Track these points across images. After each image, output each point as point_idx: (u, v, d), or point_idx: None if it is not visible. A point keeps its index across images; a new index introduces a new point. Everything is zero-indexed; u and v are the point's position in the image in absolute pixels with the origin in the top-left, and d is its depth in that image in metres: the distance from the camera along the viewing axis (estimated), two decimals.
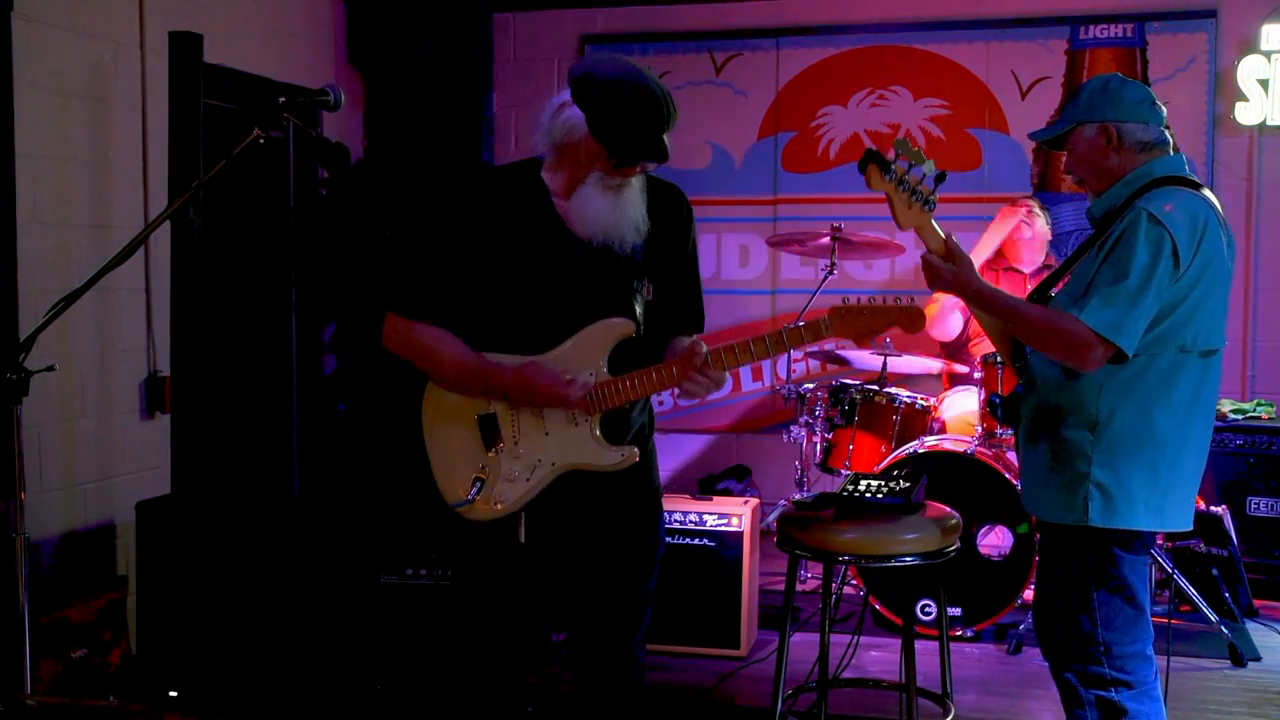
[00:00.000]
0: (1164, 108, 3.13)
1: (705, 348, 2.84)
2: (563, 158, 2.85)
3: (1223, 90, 6.25)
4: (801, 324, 2.84)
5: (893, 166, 2.99)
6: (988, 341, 5.42)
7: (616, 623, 3.04)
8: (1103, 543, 3.00)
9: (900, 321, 2.85)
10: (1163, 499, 3.00)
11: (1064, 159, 3.23)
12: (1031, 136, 3.32)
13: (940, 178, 3.03)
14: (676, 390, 2.86)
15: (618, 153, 2.76)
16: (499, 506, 2.89)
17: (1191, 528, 3.12)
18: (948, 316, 5.61)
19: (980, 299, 3.02)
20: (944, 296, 5.50)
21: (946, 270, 3.00)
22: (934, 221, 3.01)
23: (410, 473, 3.00)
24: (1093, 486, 2.96)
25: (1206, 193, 3.05)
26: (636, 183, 2.86)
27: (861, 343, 2.90)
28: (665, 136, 2.78)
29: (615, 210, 2.82)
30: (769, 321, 6.81)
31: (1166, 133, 3.10)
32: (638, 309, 2.93)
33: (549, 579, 2.98)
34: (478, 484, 2.87)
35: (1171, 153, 3.10)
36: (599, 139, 2.75)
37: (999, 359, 4.95)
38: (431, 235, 2.91)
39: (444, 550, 3.09)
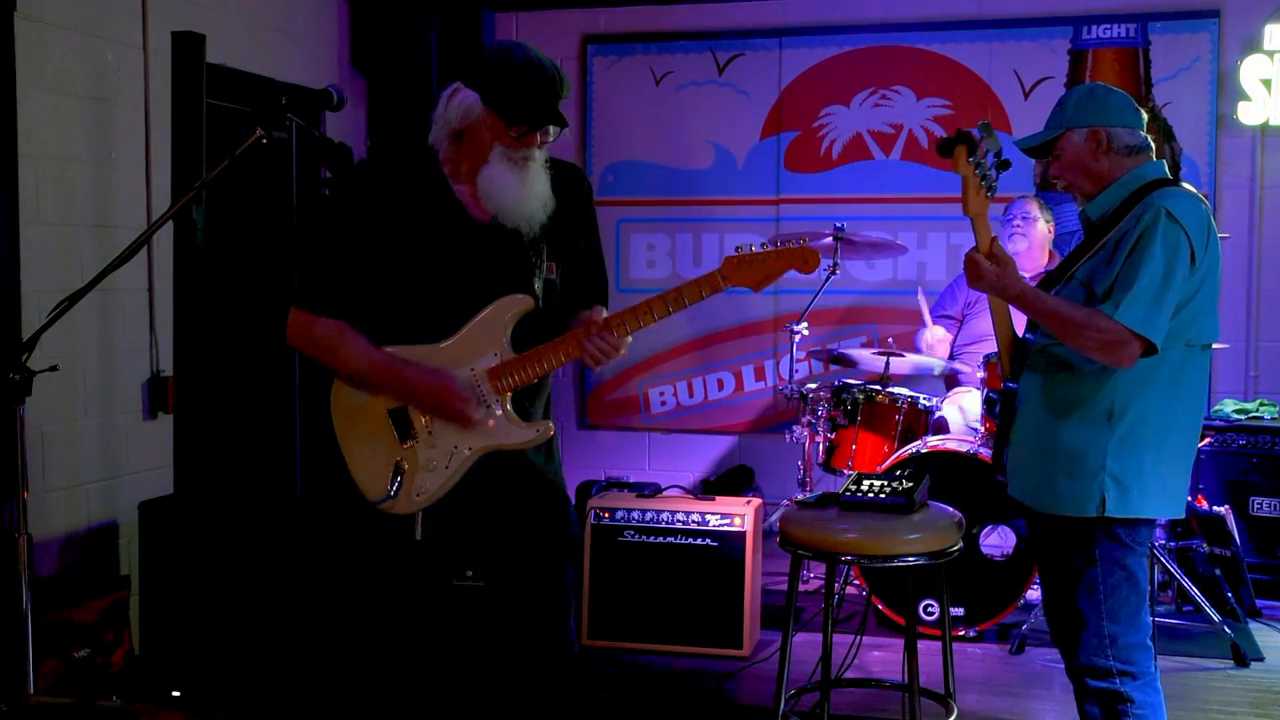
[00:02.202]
0: (1144, 113, 3.24)
1: (603, 314, 2.87)
2: (462, 142, 2.85)
3: (1226, 90, 6.24)
4: (699, 278, 2.86)
5: (978, 150, 3.06)
6: (979, 347, 5.50)
7: (541, 617, 2.99)
8: (1112, 532, 3.06)
9: (795, 263, 2.85)
10: (1168, 486, 3.11)
11: (1049, 166, 3.31)
12: (1018, 144, 3.37)
13: (1005, 164, 3.13)
14: (585, 358, 2.86)
15: (517, 118, 2.77)
16: (419, 498, 2.88)
17: (1184, 514, 3.23)
18: (936, 343, 5.68)
19: (1021, 300, 3.11)
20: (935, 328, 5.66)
21: (990, 270, 3.09)
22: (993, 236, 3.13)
23: (328, 471, 2.98)
24: (1108, 478, 3.04)
25: (1194, 190, 3.16)
26: (539, 157, 2.86)
27: (759, 289, 2.91)
28: (558, 105, 2.80)
29: (523, 186, 2.83)
30: (771, 321, 6.82)
31: (1148, 137, 3.22)
32: (537, 285, 2.94)
33: (447, 576, 2.96)
34: (398, 478, 2.86)
35: (1153, 156, 3.21)
36: (496, 109, 2.78)
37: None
38: (333, 228, 2.90)
39: (340, 550, 3.04)
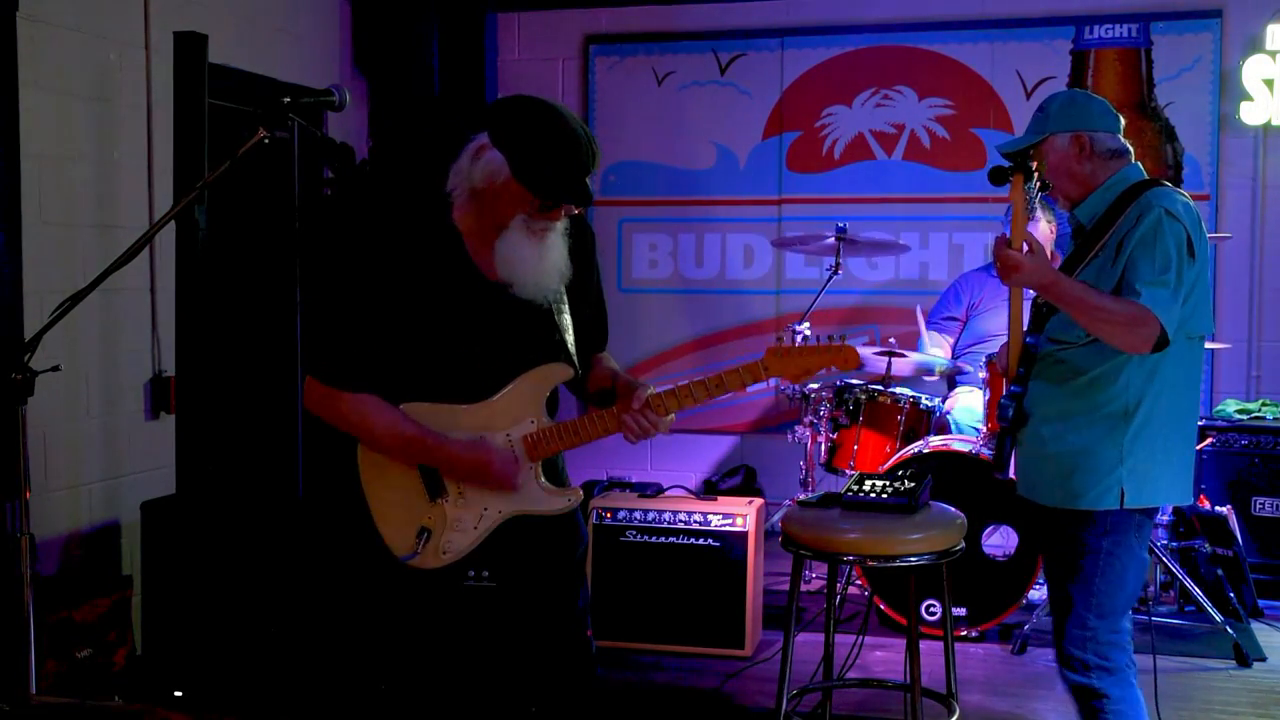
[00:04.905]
0: (1122, 119, 3.32)
1: (649, 391, 2.82)
2: (482, 202, 2.74)
3: (1228, 90, 6.24)
4: (740, 366, 2.84)
5: (1034, 179, 3.17)
6: (983, 347, 5.50)
7: (557, 620, 2.96)
8: (1127, 522, 3.14)
9: (835, 361, 2.83)
10: (1176, 474, 3.20)
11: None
12: (1001, 149, 3.39)
13: (1045, 187, 3.25)
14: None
15: (543, 194, 2.67)
16: (445, 556, 2.81)
17: (1193, 500, 3.29)
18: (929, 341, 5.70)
19: (1057, 289, 3.12)
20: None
21: (1027, 262, 3.11)
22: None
23: (349, 521, 2.88)
24: (1126, 471, 3.11)
25: (1178, 189, 3.24)
26: (560, 227, 2.77)
27: (796, 381, 2.90)
28: (588, 180, 2.71)
29: (541, 259, 2.74)
30: (773, 321, 6.81)
31: (1126, 142, 3.29)
32: (571, 349, 2.88)
33: (459, 579, 2.90)
34: (424, 535, 2.80)
35: (1133, 159, 3.28)
36: (523, 181, 2.66)
37: None
38: (346, 292, 2.80)
39: (351, 557, 2.96)
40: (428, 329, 2.78)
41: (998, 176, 3.18)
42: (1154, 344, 3.02)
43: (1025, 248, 3.14)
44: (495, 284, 2.79)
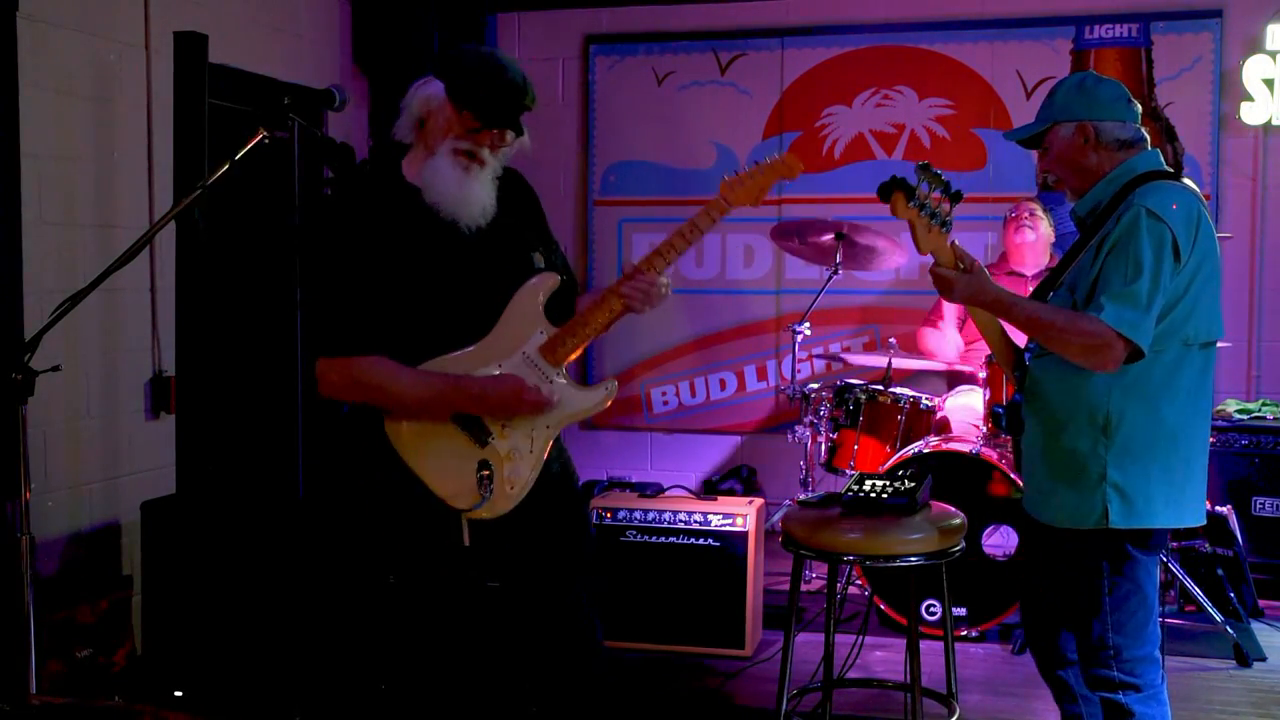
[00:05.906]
0: (1138, 105, 3.13)
1: (634, 263, 2.98)
2: (420, 135, 2.88)
3: (1228, 90, 6.24)
4: (705, 207, 3.05)
5: (917, 193, 2.92)
6: (982, 345, 5.49)
7: (573, 623, 3.03)
8: (1120, 545, 2.97)
9: (783, 173, 3.05)
10: (1179, 494, 3.00)
11: (1039, 160, 3.20)
12: (1007, 137, 3.27)
13: (957, 196, 2.99)
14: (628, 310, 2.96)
15: (472, 110, 2.79)
16: (514, 490, 2.87)
17: (1205, 522, 3.10)
18: (944, 336, 5.65)
19: (999, 306, 3.01)
20: (943, 319, 5.59)
21: (960, 281, 2.98)
22: (950, 241, 2.99)
23: (399, 498, 2.88)
24: (1110, 489, 2.94)
25: (1190, 183, 3.05)
26: (491, 164, 2.87)
27: (756, 203, 3.07)
28: (520, 117, 2.84)
29: (461, 186, 2.83)
30: (774, 321, 6.81)
31: (1143, 129, 3.09)
32: (555, 261, 3.02)
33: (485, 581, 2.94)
34: (487, 479, 2.83)
35: (1148, 148, 3.09)
36: (455, 99, 2.80)
37: None
38: (336, 265, 2.85)
39: (385, 559, 2.97)
40: (417, 281, 2.84)
41: (882, 193, 2.94)
42: (1126, 360, 2.87)
43: (966, 266, 3.00)
44: (462, 227, 2.87)
